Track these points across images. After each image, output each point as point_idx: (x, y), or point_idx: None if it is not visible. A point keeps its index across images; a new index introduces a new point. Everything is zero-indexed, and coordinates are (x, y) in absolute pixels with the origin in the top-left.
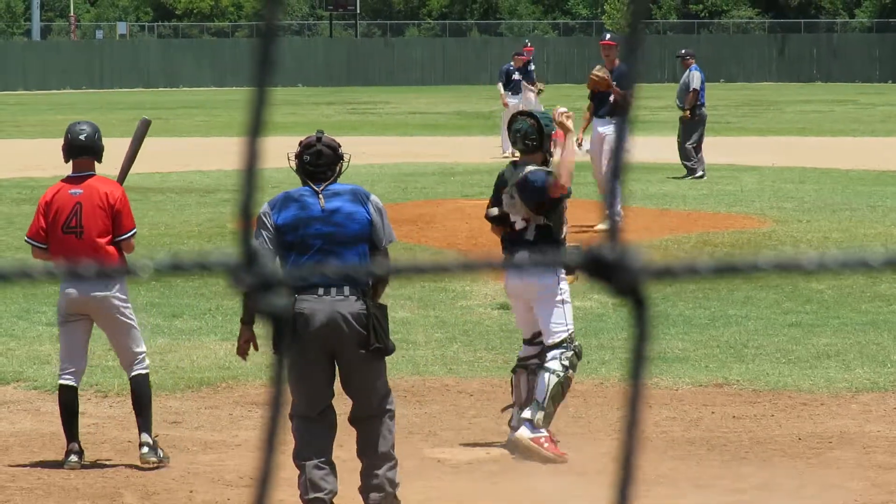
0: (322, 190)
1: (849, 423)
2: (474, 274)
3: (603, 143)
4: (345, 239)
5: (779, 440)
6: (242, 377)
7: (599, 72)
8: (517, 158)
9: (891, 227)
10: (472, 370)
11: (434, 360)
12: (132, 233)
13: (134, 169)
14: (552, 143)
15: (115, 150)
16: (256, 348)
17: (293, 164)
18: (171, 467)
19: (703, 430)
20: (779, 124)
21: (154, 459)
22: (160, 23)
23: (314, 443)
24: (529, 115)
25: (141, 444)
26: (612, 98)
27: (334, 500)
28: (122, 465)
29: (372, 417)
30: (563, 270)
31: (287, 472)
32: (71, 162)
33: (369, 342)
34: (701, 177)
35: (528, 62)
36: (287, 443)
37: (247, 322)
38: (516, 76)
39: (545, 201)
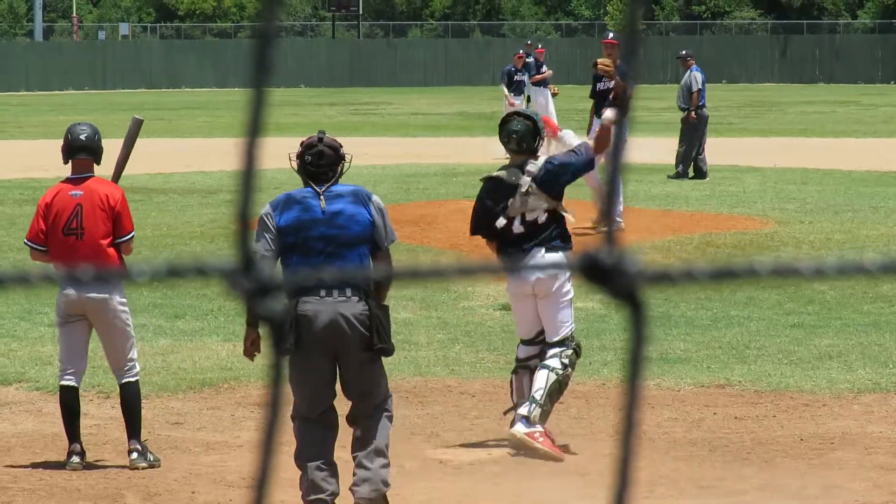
0: (324, 191)
1: (851, 424)
2: (488, 278)
3: None
4: (347, 241)
5: (781, 441)
6: (244, 378)
7: (605, 60)
8: (499, 173)
9: (893, 228)
10: (474, 371)
11: (436, 361)
12: (131, 235)
13: (136, 170)
14: (543, 140)
15: (115, 150)
16: (259, 350)
17: (294, 164)
18: (174, 468)
19: (705, 431)
20: (781, 125)
21: (143, 465)
22: (162, 23)
23: (315, 444)
24: (525, 116)
25: (130, 451)
26: (611, 97)
27: (336, 501)
28: (124, 466)
29: (370, 418)
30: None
31: (289, 473)
32: (70, 163)
33: (372, 343)
34: (696, 178)
35: (541, 63)
36: (289, 443)
37: (252, 324)
38: (518, 77)
39: (566, 182)
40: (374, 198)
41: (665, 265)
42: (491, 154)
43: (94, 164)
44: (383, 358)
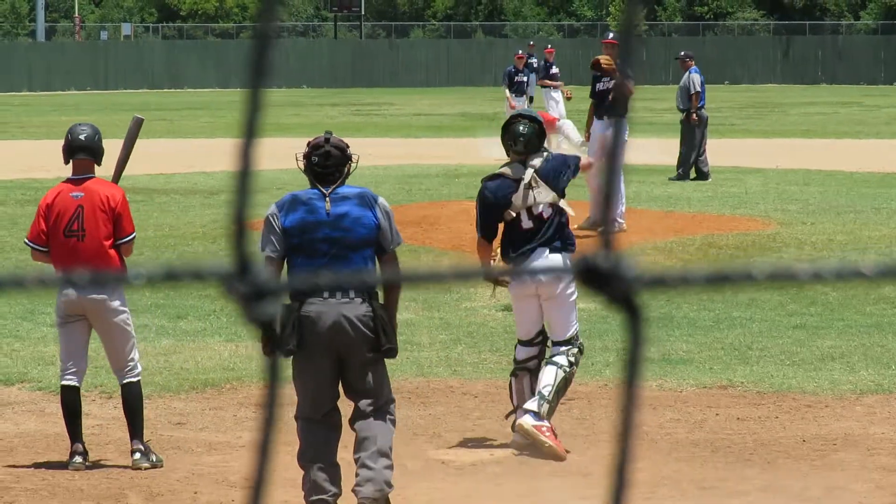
0: (330, 193)
1: (853, 425)
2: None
3: (603, 146)
4: (351, 243)
5: (783, 442)
6: (247, 378)
7: (607, 58)
8: (503, 170)
9: (895, 229)
10: (476, 372)
11: (438, 362)
12: (132, 236)
13: (138, 170)
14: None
15: (116, 151)
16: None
17: (301, 164)
18: (176, 468)
19: (708, 432)
20: (783, 126)
21: (146, 465)
22: (165, 24)
23: (319, 444)
24: (530, 118)
25: (133, 451)
26: (610, 98)
27: (338, 502)
28: (127, 466)
29: (372, 420)
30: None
31: (291, 473)
32: (71, 163)
33: (380, 344)
34: (697, 179)
35: (550, 63)
36: (291, 444)
37: None
38: (518, 78)
39: (565, 183)
40: (381, 200)
41: (661, 269)
42: (484, 154)
43: (95, 165)
44: (386, 360)
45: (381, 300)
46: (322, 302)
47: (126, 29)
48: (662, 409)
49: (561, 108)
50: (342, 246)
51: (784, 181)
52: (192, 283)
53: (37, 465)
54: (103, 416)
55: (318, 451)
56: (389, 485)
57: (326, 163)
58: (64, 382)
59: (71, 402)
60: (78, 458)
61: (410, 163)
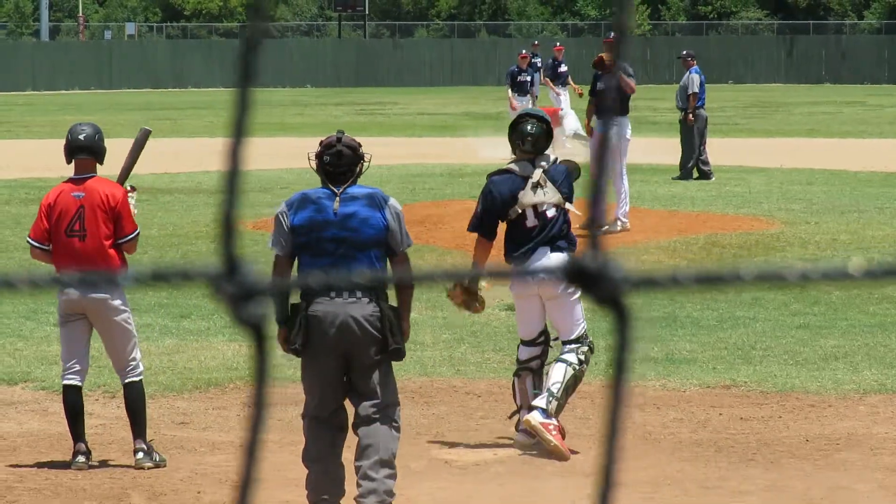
0: (340, 193)
1: (856, 425)
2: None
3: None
4: (358, 243)
5: (786, 442)
6: (250, 378)
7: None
8: (510, 165)
9: None
10: (479, 371)
11: (442, 362)
12: (133, 235)
13: (142, 169)
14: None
15: (120, 150)
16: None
17: (313, 164)
18: (179, 468)
19: (711, 432)
20: (787, 126)
21: (149, 465)
22: (169, 23)
23: (324, 444)
24: (538, 118)
25: (136, 450)
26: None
27: (341, 502)
28: (130, 465)
29: (377, 426)
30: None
31: (294, 473)
32: (73, 163)
33: (387, 343)
34: (700, 178)
35: (559, 62)
36: (297, 443)
37: (281, 321)
38: (521, 77)
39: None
40: (392, 201)
41: (649, 270)
42: (483, 154)
43: (97, 164)
44: (392, 362)
45: (389, 301)
46: (329, 302)
47: (130, 28)
48: (666, 408)
49: (566, 103)
50: (349, 246)
51: (788, 181)
52: (180, 283)
53: (40, 465)
54: (106, 416)
55: (322, 450)
56: (391, 494)
57: (338, 162)
58: (66, 382)
59: (73, 402)
60: (81, 458)
61: (414, 162)
